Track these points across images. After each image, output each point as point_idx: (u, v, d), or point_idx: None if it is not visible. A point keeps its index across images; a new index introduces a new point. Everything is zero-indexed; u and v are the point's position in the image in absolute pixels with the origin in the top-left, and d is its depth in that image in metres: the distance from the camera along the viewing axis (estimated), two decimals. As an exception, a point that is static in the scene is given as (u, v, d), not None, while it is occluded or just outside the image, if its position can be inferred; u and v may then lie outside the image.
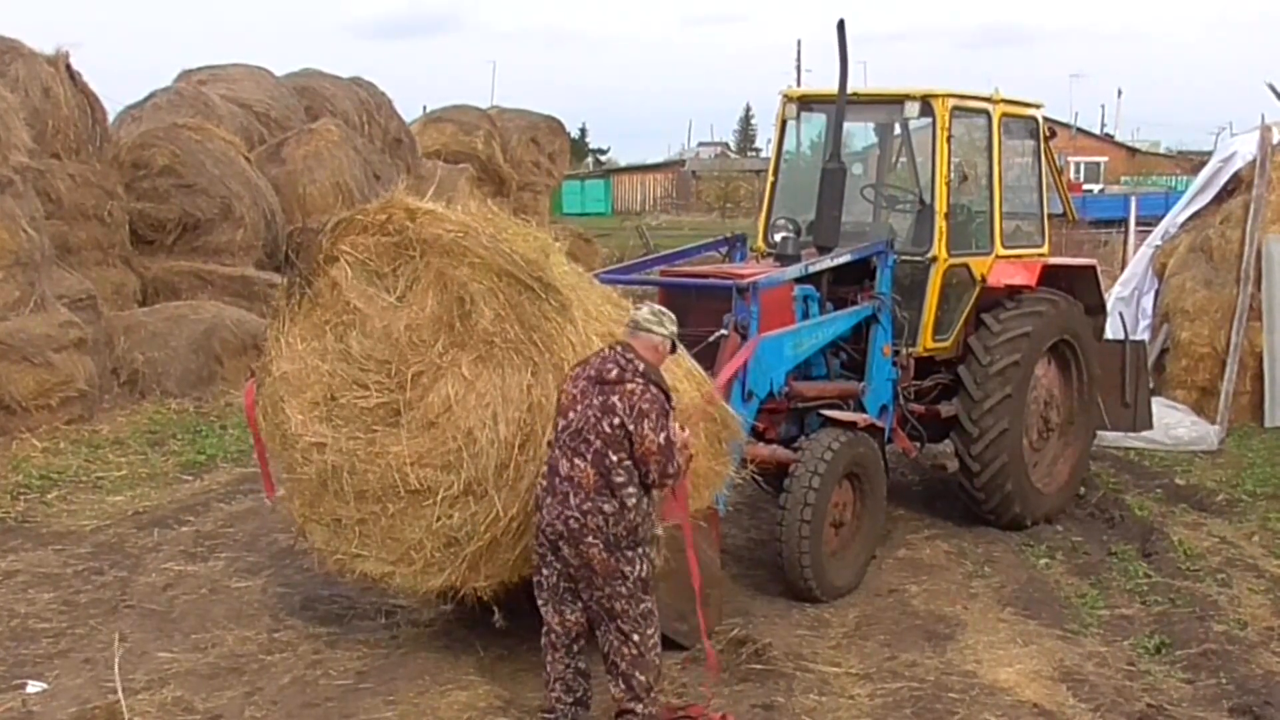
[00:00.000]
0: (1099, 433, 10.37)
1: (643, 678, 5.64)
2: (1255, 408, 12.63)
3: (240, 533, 8.93)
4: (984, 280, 9.19)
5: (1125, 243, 20.12)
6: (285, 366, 6.48)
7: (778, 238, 8.85)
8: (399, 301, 6.19)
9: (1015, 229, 9.67)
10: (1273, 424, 12.40)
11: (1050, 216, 10.10)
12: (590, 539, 5.48)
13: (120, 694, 6.00)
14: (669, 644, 6.40)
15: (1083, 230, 23.61)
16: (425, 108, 27.53)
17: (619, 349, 5.64)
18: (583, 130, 75.91)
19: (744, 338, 7.43)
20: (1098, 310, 10.23)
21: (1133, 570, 8.50)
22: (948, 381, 9.19)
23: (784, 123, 9.57)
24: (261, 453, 7.08)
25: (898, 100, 9.11)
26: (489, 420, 5.92)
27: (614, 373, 5.53)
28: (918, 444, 9.23)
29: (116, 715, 5.89)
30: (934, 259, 8.90)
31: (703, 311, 7.77)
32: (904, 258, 8.88)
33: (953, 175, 8.92)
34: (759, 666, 6.64)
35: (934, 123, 8.89)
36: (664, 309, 5.90)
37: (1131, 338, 11.07)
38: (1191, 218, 13.83)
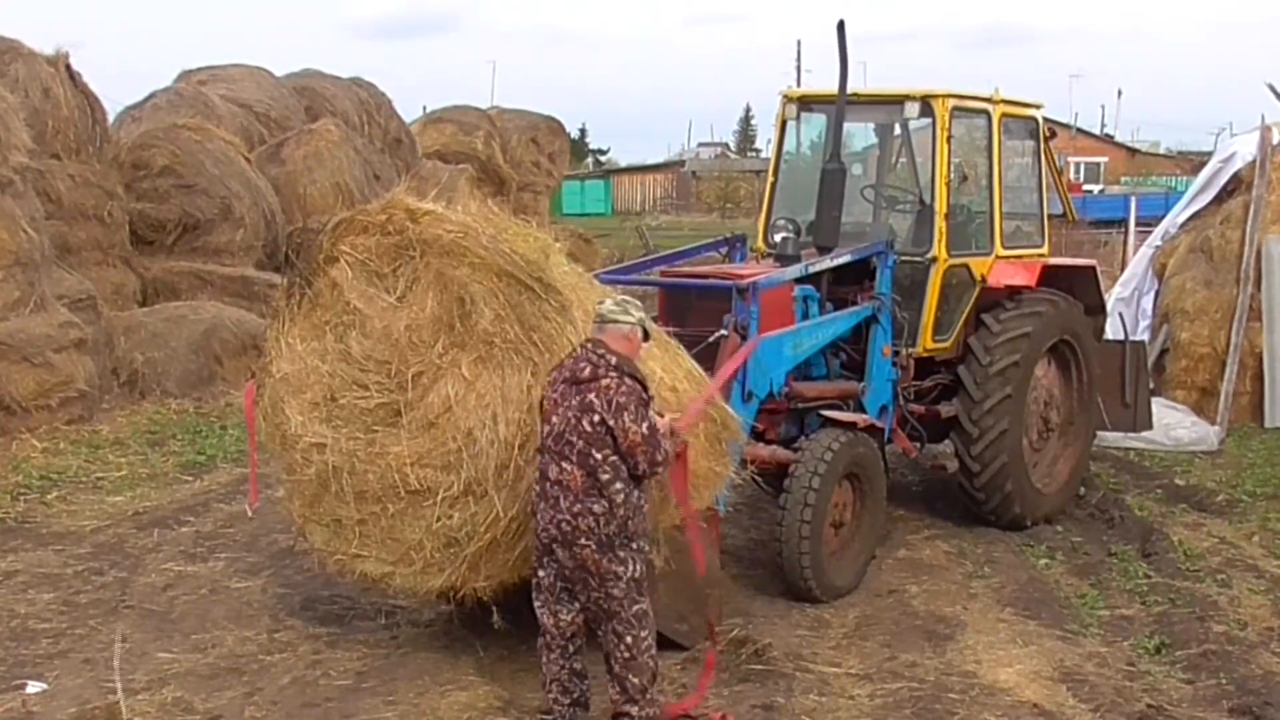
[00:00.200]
0: (1099, 433, 10.37)
1: (636, 680, 5.64)
2: (1255, 408, 12.63)
3: (240, 533, 8.93)
4: (984, 280, 9.19)
5: (1125, 243, 20.12)
6: (285, 367, 6.48)
7: (778, 238, 8.85)
8: (399, 302, 6.19)
9: (1015, 229, 9.67)
10: (1273, 424, 12.40)
11: (1050, 217, 10.10)
12: (583, 540, 5.49)
13: (120, 694, 6.00)
14: (669, 644, 6.41)
15: (1083, 231, 23.61)
16: (425, 108, 27.59)
17: (589, 346, 5.62)
18: (583, 130, 76.04)
19: (744, 338, 7.43)
20: (1098, 310, 10.23)
21: (1133, 571, 8.50)
22: (948, 382, 9.18)
23: (784, 123, 9.57)
24: (254, 459, 7.09)
25: (898, 100, 9.11)
26: (489, 421, 5.92)
27: (587, 370, 5.53)
28: (918, 444, 9.23)
29: (116, 715, 5.90)
30: (934, 259, 8.90)
31: (703, 312, 7.78)
32: (904, 258, 8.87)
33: (953, 175, 8.92)
34: (759, 667, 6.64)
35: (934, 123, 8.89)
36: (628, 298, 5.88)
37: (1131, 338, 11.07)
38: (1191, 218, 13.84)
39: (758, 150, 76.35)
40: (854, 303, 8.65)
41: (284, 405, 6.47)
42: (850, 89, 8.54)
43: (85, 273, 13.37)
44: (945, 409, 9.08)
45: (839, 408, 8.22)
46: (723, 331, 7.48)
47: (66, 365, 11.56)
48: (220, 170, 15.97)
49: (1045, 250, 9.87)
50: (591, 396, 5.48)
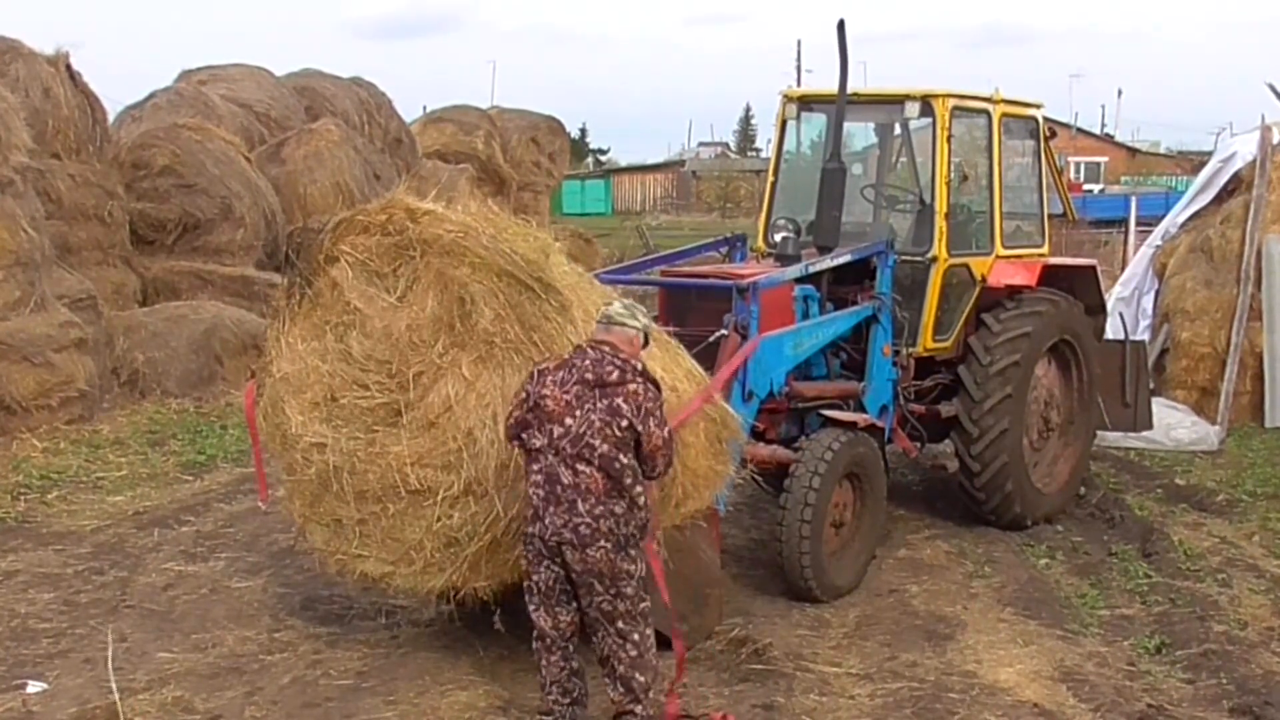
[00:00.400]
0: (1099, 433, 10.37)
1: (642, 678, 5.64)
2: (1255, 408, 12.63)
3: (240, 533, 8.93)
4: (984, 280, 9.19)
5: (1125, 243, 20.12)
6: (285, 367, 6.47)
7: (778, 238, 8.85)
8: (399, 302, 6.19)
9: (1015, 229, 9.67)
10: (1273, 424, 12.39)
11: (1050, 216, 10.10)
12: (602, 542, 5.45)
13: (115, 693, 6.00)
14: (670, 644, 6.40)
15: (1083, 230, 23.60)
16: (425, 108, 27.60)
17: (606, 349, 5.57)
18: (583, 130, 76.04)
19: (744, 338, 7.43)
20: (1098, 310, 10.23)
21: (1133, 570, 8.50)
22: (948, 381, 9.19)
23: (784, 123, 9.57)
24: (259, 456, 7.09)
25: (898, 100, 9.11)
26: (489, 420, 5.91)
27: (614, 375, 5.49)
28: (918, 444, 9.23)
29: (116, 715, 5.89)
30: (934, 259, 8.90)
31: (703, 312, 7.78)
32: (904, 258, 8.87)
33: (953, 175, 8.92)
34: (759, 666, 6.64)
35: (934, 123, 8.89)
36: (635, 302, 5.89)
37: (1132, 338, 11.07)
38: (1192, 218, 13.84)
39: (758, 150, 76.40)
40: (854, 302, 8.65)
41: (284, 405, 6.47)
42: (850, 89, 8.54)
43: (86, 272, 13.37)
44: (945, 409, 9.08)
45: (839, 407, 8.22)
46: (723, 331, 7.47)
47: (67, 365, 11.56)
48: (220, 170, 15.97)
49: (1045, 250, 9.87)
50: (620, 401, 5.45)
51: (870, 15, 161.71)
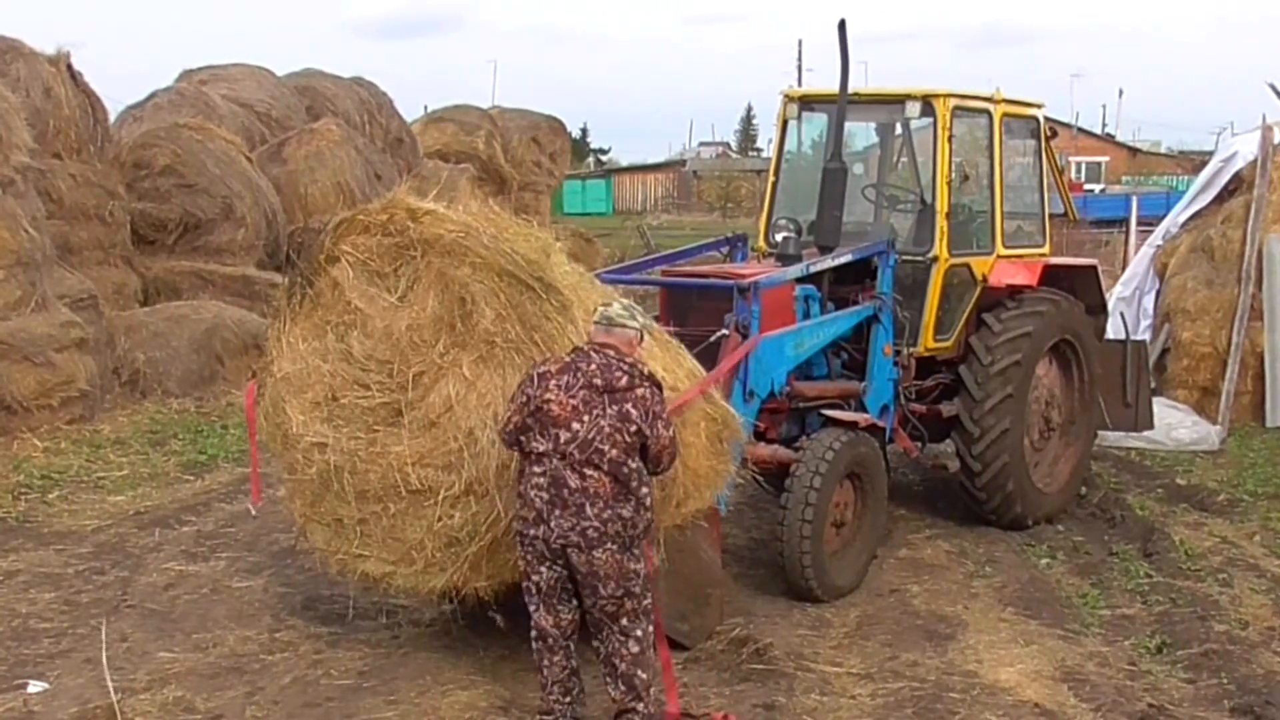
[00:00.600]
0: (1100, 433, 10.37)
1: (644, 675, 5.64)
2: (1256, 408, 12.62)
3: (241, 532, 8.93)
4: (985, 280, 9.19)
5: (1126, 243, 20.11)
6: (286, 366, 6.47)
7: (779, 237, 8.85)
8: (400, 301, 6.19)
9: (1016, 229, 9.67)
10: (1274, 424, 12.38)
11: (1051, 216, 10.10)
12: (610, 544, 5.44)
13: (113, 692, 6.01)
14: (670, 644, 6.40)
15: (1084, 230, 23.60)
16: (426, 107, 27.66)
17: (611, 353, 5.55)
18: (584, 130, 76.08)
19: (745, 337, 7.43)
20: (1099, 310, 10.23)
21: (1134, 570, 8.50)
22: (949, 381, 9.19)
23: (785, 122, 9.57)
24: (255, 458, 7.09)
25: (899, 100, 9.11)
26: (490, 420, 5.91)
27: (624, 380, 5.47)
28: (919, 444, 9.23)
29: (116, 715, 5.89)
30: (935, 259, 8.90)
31: (704, 311, 7.77)
32: (905, 257, 8.87)
33: (954, 175, 8.92)
34: (760, 666, 6.64)
35: (935, 123, 8.89)
36: (633, 303, 5.88)
37: (1133, 338, 11.06)
38: (1193, 218, 13.83)
39: (759, 150, 76.49)
40: (855, 302, 8.65)
41: (285, 405, 6.47)
42: (851, 88, 8.54)
43: (86, 272, 13.37)
44: (946, 408, 9.09)
45: (840, 407, 8.22)
46: (724, 331, 7.47)
47: (68, 365, 11.56)
48: (221, 170, 15.98)
49: (1046, 250, 9.86)
50: (629, 407, 5.44)
51: (871, 15, 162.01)
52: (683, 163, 65.32)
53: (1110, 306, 11.48)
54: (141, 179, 15.56)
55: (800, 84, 44.79)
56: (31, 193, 12.15)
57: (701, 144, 77.69)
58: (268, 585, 7.82)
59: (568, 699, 5.76)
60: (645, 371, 5.57)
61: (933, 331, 9.05)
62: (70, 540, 8.70)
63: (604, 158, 75.49)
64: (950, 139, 8.82)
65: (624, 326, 5.64)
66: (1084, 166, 53.66)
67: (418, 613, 7.22)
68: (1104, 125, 67.15)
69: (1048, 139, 10.02)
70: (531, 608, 5.71)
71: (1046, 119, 10.03)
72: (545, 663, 5.73)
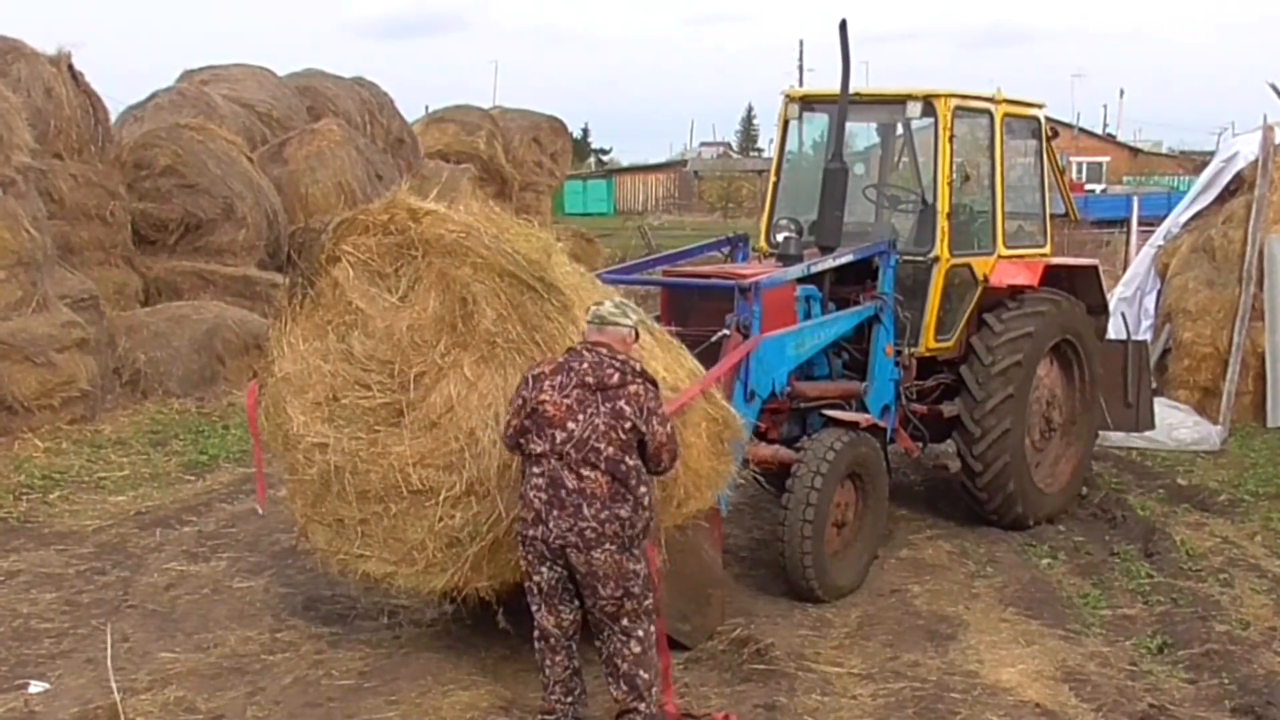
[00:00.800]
0: (1101, 433, 10.37)
1: (646, 675, 5.63)
2: (1257, 408, 12.62)
3: (242, 533, 8.93)
4: (986, 280, 9.19)
5: (1127, 243, 20.10)
6: (287, 367, 6.48)
7: (780, 238, 8.85)
8: (401, 302, 6.19)
9: (1017, 229, 9.66)
10: (1275, 424, 12.38)
11: (1052, 216, 10.09)
12: (608, 545, 5.43)
13: (116, 692, 6.00)
14: (671, 644, 6.40)
15: (1085, 230, 23.63)
16: (427, 108, 27.69)
17: (603, 351, 5.55)
18: (585, 130, 76.10)
19: (746, 338, 7.43)
20: (1100, 310, 10.22)
21: (1135, 570, 8.50)
22: (950, 381, 9.18)
23: (786, 123, 9.57)
24: (259, 459, 7.09)
25: (900, 100, 9.11)
26: (491, 420, 5.91)
27: (615, 377, 5.48)
28: (920, 444, 9.22)
29: (117, 715, 5.90)
30: (936, 259, 8.90)
31: (705, 311, 7.77)
32: (906, 258, 8.87)
33: (955, 175, 8.92)
34: (761, 666, 6.64)
35: (936, 123, 8.89)
36: (625, 300, 5.88)
37: (1134, 338, 11.07)
38: (1194, 218, 13.83)
39: (760, 150, 76.53)
40: (856, 302, 8.65)
41: (286, 405, 6.47)
42: (852, 89, 8.54)
43: (87, 272, 13.38)
44: (947, 409, 9.08)
45: (841, 407, 8.22)
46: (725, 331, 7.47)
47: (69, 365, 11.57)
48: (222, 170, 15.98)
49: (1047, 250, 9.86)
50: (622, 404, 5.43)
51: (871, 15, 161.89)
52: (684, 163, 65.34)
53: (1111, 307, 11.48)
54: (142, 179, 15.56)
55: (801, 84, 44.84)
56: (32, 193, 12.16)
57: (702, 144, 77.70)
58: (269, 585, 7.82)
59: (569, 699, 5.76)
60: (638, 368, 5.55)
61: (934, 332, 9.05)
62: (71, 540, 8.70)
63: (605, 158, 75.55)
64: (951, 139, 8.81)
65: (617, 324, 5.64)
66: (1085, 167, 53.65)
67: (419, 613, 7.22)
68: (1105, 125, 67.22)
69: (1049, 139, 10.02)
70: (534, 608, 5.70)
71: (1047, 119, 10.02)
72: (547, 662, 5.73)
